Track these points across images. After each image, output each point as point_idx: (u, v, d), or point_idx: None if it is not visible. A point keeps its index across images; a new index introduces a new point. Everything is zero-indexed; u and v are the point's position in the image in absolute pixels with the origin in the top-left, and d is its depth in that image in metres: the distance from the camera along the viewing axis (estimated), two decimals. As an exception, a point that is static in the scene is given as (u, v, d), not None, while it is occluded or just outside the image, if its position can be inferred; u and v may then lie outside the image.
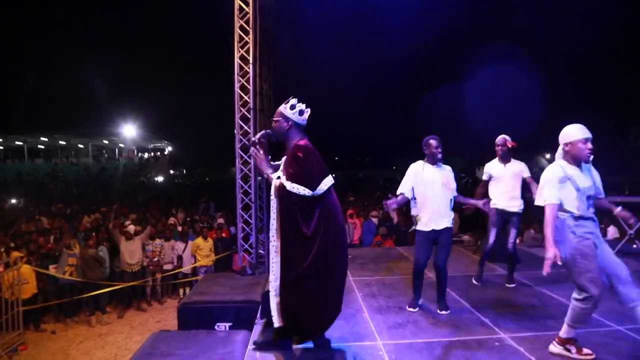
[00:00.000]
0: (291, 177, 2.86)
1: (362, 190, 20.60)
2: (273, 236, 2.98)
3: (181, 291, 8.96)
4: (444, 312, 4.06)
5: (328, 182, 2.92)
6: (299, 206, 2.84)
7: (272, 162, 3.17)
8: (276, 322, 3.02)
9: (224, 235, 9.45)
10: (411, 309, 4.18)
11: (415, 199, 4.06)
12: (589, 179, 3.04)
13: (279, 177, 2.94)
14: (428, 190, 4.00)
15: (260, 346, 3.29)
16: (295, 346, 3.24)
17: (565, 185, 2.97)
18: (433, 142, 4.06)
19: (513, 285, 5.03)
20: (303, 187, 2.82)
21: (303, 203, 2.85)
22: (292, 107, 3.04)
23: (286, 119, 3.03)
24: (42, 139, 41.04)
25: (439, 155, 4.05)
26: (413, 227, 4.16)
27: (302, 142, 2.95)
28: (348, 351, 3.27)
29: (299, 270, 2.85)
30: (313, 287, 2.87)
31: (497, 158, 4.96)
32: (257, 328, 3.73)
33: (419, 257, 4.05)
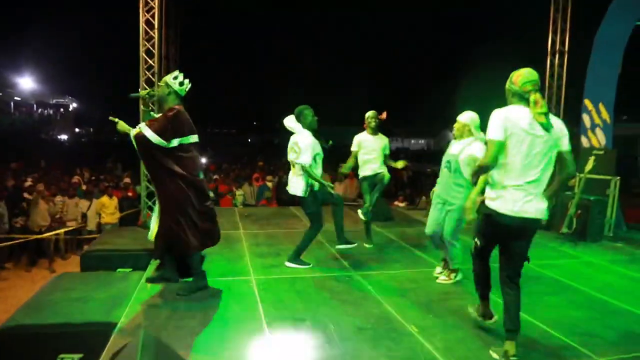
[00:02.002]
0: (152, 127, 3.53)
1: (274, 155, 21.29)
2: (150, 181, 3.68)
3: (85, 248, 9.18)
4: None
5: (187, 140, 3.65)
6: (157, 153, 3.57)
7: None
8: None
9: (129, 194, 9.75)
10: None
11: None
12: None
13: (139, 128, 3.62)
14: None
15: (151, 280, 3.95)
16: (180, 279, 3.94)
17: None
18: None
19: (371, 245, 5.66)
20: (157, 137, 3.51)
21: (158, 151, 3.56)
22: (175, 77, 3.72)
23: (168, 86, 3.70)
24: None
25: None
26: None
27: (177, 107, 3.65)
28: (224, 283, 4.04)
29: (166, 203, 3.66)
30: (176, 217, 3.65)
31: (366, 131, 5.51)
32: (150, 267, 4.36)
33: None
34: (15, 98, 43.84)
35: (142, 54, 7.01)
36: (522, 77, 2.72)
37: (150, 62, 7.03)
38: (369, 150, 5.48)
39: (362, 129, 5.62)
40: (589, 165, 6.09)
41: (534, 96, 2.65)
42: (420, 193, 11.22)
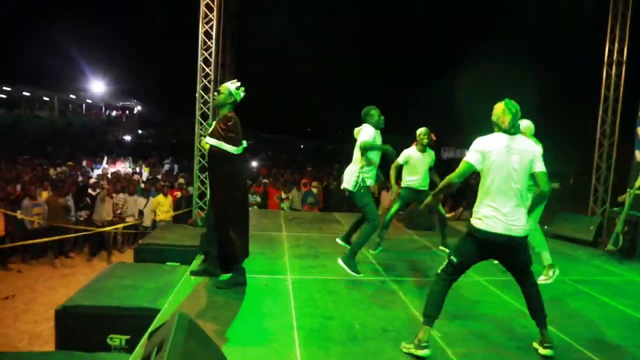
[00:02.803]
0: (220, 137, 3.76)
1: (325, 161, 21.63)
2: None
3: (139, 241, 9.80)
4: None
5: (243, 145, 3.89)
6: (224, 161, 3.80)
7: None
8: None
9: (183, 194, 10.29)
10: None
11: None
12: None
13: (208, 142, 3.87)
14: None
15: (195, 274, 4.25)
16: (221, 274, 4.22)
17: None
18: None
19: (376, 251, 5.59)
20: (229, 145, 3.74)
21: (226, 158, 3.79)
22: (238, 88, 3.99)
23: (231, 95, 3.96)
24: (5, 88, 39.79)
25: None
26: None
27: (230, 114, 3.88)
28: (261, 280, 4.29)
29: (223, 210, 3.87)
30: (231, 223, 3.88)
31: (416, 146, 5.56)
32: (195, 261, 4.68)
33: None
34: (87, 100, 46.87)
35: (200, 63, 7.47)
36: (499, 109, 2.97)
37: (207, 70, 7.48)
38: (416, 167, 5.53)
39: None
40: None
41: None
42: (460, 204, 10.99)
